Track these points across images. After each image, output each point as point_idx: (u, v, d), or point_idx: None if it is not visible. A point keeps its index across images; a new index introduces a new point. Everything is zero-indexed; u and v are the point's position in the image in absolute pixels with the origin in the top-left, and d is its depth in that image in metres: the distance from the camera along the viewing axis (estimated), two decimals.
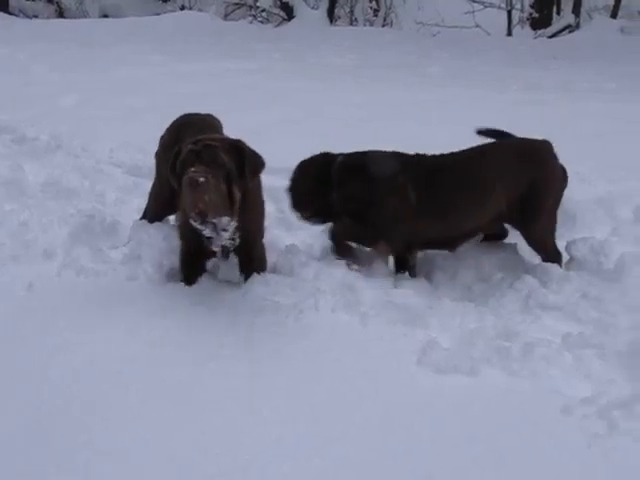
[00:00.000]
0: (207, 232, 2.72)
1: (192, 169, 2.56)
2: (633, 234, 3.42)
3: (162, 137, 3.36)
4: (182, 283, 2.99)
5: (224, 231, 2.73)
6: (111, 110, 5.61)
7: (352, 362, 2.52)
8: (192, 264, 3.02)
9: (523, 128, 3.45)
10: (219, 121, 3.46)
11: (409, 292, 2.96)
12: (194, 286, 3.01)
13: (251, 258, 3.03)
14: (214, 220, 2.66)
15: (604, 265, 3.07)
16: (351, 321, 2.80)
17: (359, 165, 3.10)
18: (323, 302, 2.87)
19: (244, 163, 2.70)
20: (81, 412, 2.29)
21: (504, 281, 3.06)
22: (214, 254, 2.97)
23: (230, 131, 3.29)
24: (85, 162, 4.52)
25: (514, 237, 3.43)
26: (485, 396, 2.36)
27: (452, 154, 3.15)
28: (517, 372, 2.49)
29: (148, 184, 3.50)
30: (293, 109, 5.54)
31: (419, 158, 3.12)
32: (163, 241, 3.20)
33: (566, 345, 2.62)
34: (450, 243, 3.20)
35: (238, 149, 2.72)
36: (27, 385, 2.42)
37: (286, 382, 2.41)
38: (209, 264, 3.11)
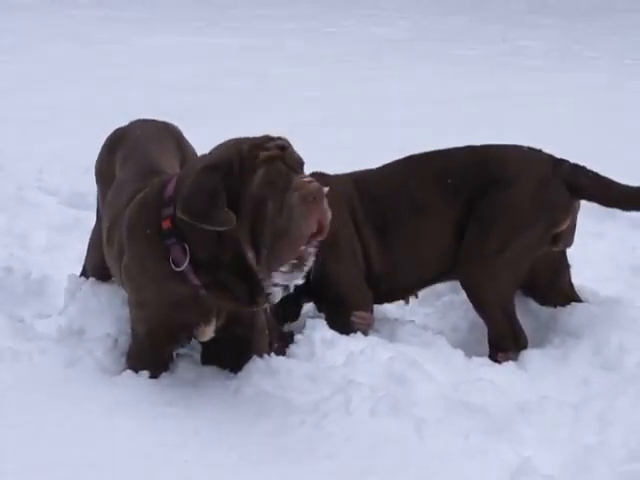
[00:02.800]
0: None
1: (302, 178, 1.83)
2: None
3: (97, 159, 2.64)
4: (144, 372, 2.14)
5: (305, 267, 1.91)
6: (36, 108, 4.46)
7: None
8: (161, 347, 2.16)
9: None
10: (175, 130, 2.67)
11: (485, 385, 2.10)
12: (164, 375, 2.17)
13: (250, 331, 2.18)
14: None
15: None
16: (402, 430, 1.91)
17: None
18: (358, 401, 1.99)
19: None
20: None
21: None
22: (191, 332, 2.13)
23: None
24: (2, 187, 3.57)
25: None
26: None
27: None
28: None
29: (90, 223, 2.69)
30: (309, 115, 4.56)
31: None
32: (116, 305, 2.42)
33: None
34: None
35: None
36: None
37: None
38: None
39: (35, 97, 5.00)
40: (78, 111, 4.25)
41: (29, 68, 5.99)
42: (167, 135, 2.60)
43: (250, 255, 1.84)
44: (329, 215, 1.83)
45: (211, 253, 1.89)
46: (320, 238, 1.85)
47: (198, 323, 2.06)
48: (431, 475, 1.76)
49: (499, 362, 2.30)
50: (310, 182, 1.82)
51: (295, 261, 1.83)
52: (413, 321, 2.59)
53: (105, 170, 2.54)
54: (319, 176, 2.29)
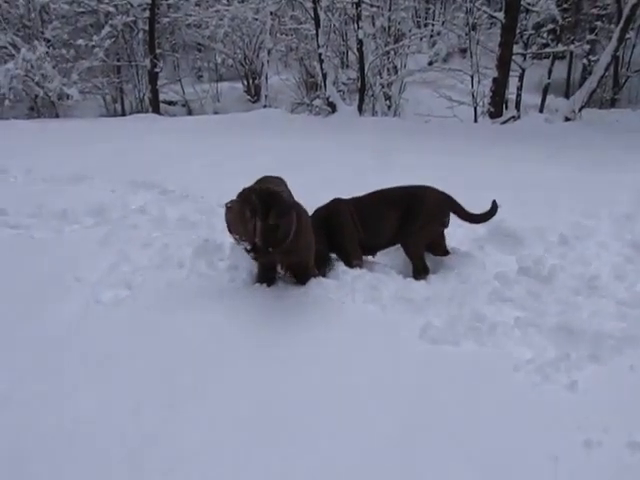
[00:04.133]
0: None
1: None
2: (558, 252, 3.65)
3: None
4: (264, 285, 3.13)
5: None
6: (218, 173, 5.88)
7: (375, 336, 2.71)
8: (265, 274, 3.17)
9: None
10: (284, 182, 3.58)
11: (414, 290, 3.14)
12: (272, 287, 3.13)
13: (307, 274, 3.14)
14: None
15: (541, 272, 3.29)
16: (375, 310, 2.96)
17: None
18: (358, 297, 3.02)
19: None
20: (203, 361, 2.50)
21: (477, 283, 3.24)
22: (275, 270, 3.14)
23: (293, 185, 3.54)
24: (203, 205, 4.69)
25: (482, 256, 3.61)
26: (464, 358, 2.54)
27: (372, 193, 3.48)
28: (485, 343, 2.67)
29: None
30: (329, 172, 5.80)
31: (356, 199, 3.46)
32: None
33: (517, 325, 2.81)
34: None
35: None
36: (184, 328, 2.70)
37: (333, 346, 2.60)
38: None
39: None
40: (235, 174, 5.53)
41: None
42: (282, 182, 3.50)
43: None
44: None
45: None
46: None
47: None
48: (386, 328, 2.72)
49: (418, 280, 3.28)
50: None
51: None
52: (380, 263, 3.57)
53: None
54: (338, 200, 3.43)
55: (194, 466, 1.94)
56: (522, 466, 1.95)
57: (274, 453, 1.98)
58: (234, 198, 2.79)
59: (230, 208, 2.71)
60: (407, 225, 3.36)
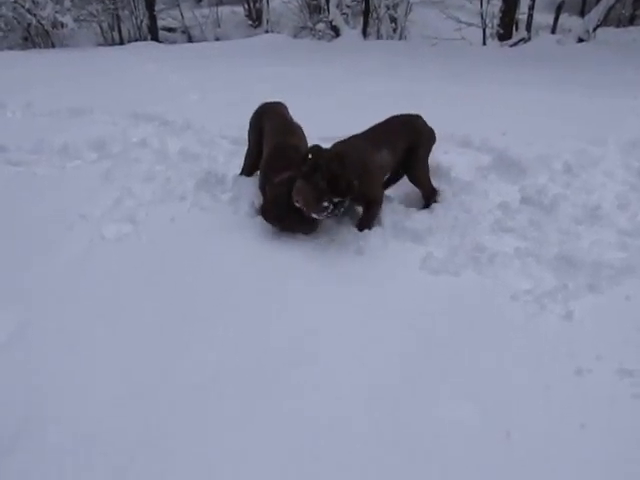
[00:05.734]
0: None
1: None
2: (562, 181, 3.54)
3: (250, 120, 3.57)
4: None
5: None
6: (220, 103, 5.77)
7: (374, 268, 2.71)
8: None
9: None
10: (286, 106, 3.61)
11: (416, 220, 3.09)
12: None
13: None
14: None
15: (543, 202, 3.25)
16: (376, 241, 2.89)
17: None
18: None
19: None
20: (226, 284, 2.55)
21: (479, 212, 3.20)
22: None
23: (294, 111, 3.57)
24: (204, 136, 4.58)
25: (486, 186, 3.52)
26: (463, 289, 2.55)
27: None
28: (484, 273, 2.67)
29: (244, 150, 3.66)
30: (334, 98, 5.71)
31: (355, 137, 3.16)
32: (254, 188, 3.35)
33: (516, 255, 2.81)
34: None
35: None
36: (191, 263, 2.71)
37: (332, 279, 2.59)
38: None
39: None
40: (237, 103, 5.38)
41: None
42: (284, 107, 3.59)
43: None
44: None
45: None
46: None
47: None
48: (393, 260, 2.73)
49: (429, 205, 3.21)
50: None
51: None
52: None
53: (254, 124, 3.49)
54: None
55: (201, 400, 1.95)
56: (516, 396, 1.97)
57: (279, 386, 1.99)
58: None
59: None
60: (412, 155, 3.21)
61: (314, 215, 2.68)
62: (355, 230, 2.95)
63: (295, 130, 3.38)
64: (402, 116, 3.31)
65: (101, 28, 14.21)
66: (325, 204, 2.63)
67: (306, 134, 3.44)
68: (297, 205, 2.68)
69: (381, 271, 2.67)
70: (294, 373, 2.05)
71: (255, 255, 2.80)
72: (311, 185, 2.60)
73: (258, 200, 3.23)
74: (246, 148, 3.64)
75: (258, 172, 3.39)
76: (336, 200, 2.67)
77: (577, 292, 2.49)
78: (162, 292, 2.53)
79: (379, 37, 12.46)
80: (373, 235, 2.93)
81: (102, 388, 2.01)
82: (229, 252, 2.82)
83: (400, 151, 3.16)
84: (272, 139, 3.25)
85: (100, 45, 13.47)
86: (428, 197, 3.33)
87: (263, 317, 2.36)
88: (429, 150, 3.33)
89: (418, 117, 3.33)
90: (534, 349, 2.19)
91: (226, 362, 2.12)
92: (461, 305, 2.44)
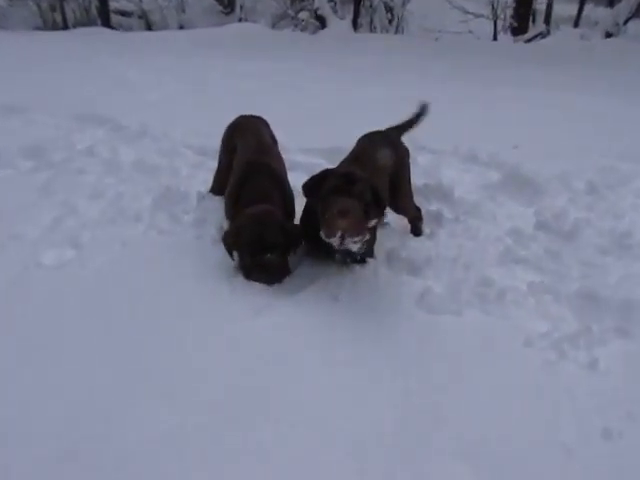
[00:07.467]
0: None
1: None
2: (585, 203, 3.60)
3: (222, 136, 3.62)
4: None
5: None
6: (183, 105, 5.90)
7: (365, 304, 2.72)
8: None
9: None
10: (266, 122, 3.68)
11: (413, 248, 3.14)
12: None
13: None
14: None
15: (562, 227, 3.29)
16: (366, 273, 2.91)
17: None
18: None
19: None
20: (164, 336, 2.48)
21: (487, 240, 3.24)
22: None
23: (270, 118, 3.64)
24: (164, 145, 4.67)
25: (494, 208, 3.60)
26: (466, 331, 2.53)
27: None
28: (492, 312, 2.65)
29: (212, 162, 3.74)
30: (317, 104, 5.82)
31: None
32: (221, 209, 3.35)
33: (530, 291, 2.81)
34: None
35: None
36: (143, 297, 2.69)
37: (319, 314, 2.61)
38: None
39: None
40: (206, 106, 5.59)
41: None
42: (263, 123, 3.64)
43: None
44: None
45: None
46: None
47: None
48: (387, 296, 2.72)
49: (421, 231, 3.29)
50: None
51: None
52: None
53: (226, 139, 3.56)
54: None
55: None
56: (529, 461, 1.93)
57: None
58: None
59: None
60: (397, 180, 3.22)
61: (356, 240, 2.53)
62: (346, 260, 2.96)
63: (270, 150, 3.40)
64: (382, 136, 3.30)
65: (39, 8, 14.15)
66: (369, 226, 2.63)
67: (283, 145, 3.49)
68: (336, 228, 2.50)
69: (371, 309, 2.66)
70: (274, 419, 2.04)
71: (222, 292, 2.75)
72: (362, 204, 2.56)
73: (226, 223, 3.21)
74: (216, 164, 3.69)
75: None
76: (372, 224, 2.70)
77: (603, 336, 2.49)
78: (107, 336, 2.45)
79: (372, 29, 12.69)
80: (362, 265, 2.94)
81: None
82: (192, 287, 2.78)
83: (386, 177, 3.15)
84: (243, 159, 3.26)
85: (38, 29, 13.48)
86: (414, 221, 3.35)
87: (234, 363, 2.33)
88: (409, 170, 3.35)
89: (396, 134, 3.36)
90: (551, 405, 2.17)
91: (183, 417, 2.07)
92: (463, 350, 2.43)
